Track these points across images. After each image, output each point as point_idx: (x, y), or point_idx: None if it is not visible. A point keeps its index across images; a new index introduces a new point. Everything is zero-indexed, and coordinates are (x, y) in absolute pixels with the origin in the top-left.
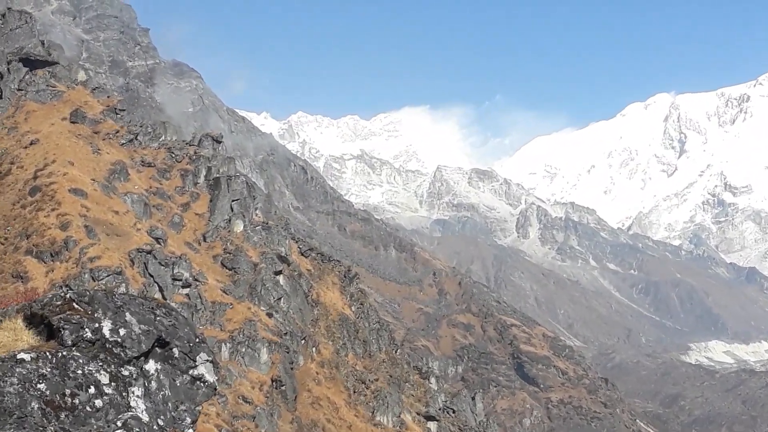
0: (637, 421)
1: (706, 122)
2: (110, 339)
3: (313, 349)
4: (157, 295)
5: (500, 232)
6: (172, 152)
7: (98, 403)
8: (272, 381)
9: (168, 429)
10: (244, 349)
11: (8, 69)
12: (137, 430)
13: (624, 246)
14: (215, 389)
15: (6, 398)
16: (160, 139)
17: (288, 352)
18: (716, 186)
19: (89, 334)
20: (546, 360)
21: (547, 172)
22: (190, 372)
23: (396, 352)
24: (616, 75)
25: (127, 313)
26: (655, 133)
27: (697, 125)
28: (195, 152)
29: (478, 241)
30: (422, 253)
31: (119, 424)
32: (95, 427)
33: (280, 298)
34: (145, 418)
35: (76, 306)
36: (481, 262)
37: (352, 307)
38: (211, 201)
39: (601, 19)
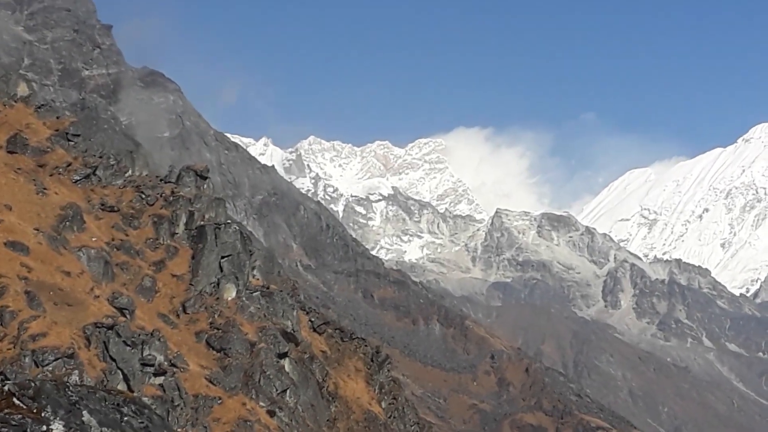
0: None
1: None
2: None
3: None
4: (122, 386)
5: (581, 300)
6: (142, 192)
7: None
8: None
9: None
10: None
11: None
12: None
13: (749, 319)
14: None
15: None
16: (126, 175)
17: None
18: None
19: None
20: None
21: (644, 218)
22: None
23: None
24: (738, 88)
25: (85, 412)
26: None
27: None
28: (172, 192)
29: (552, 312)
30: (476, 328)
31: None
32: None
33: (285, 390)
34: None
35: (17, 402)
36: (555, 340)
37: (382, 403)
38: (193, 258)
39: (719, 19)
